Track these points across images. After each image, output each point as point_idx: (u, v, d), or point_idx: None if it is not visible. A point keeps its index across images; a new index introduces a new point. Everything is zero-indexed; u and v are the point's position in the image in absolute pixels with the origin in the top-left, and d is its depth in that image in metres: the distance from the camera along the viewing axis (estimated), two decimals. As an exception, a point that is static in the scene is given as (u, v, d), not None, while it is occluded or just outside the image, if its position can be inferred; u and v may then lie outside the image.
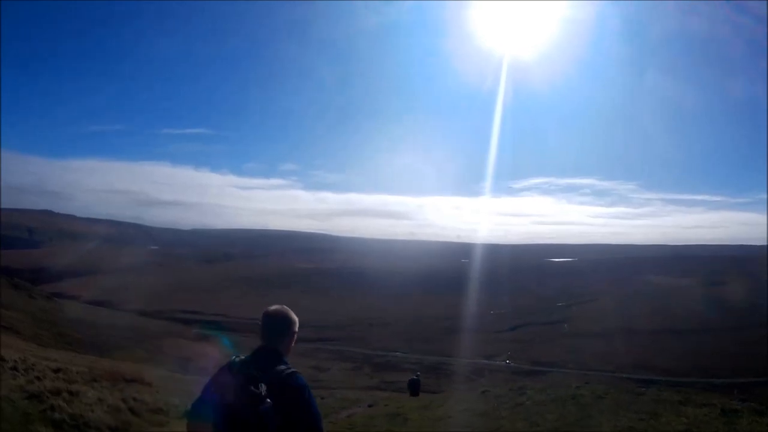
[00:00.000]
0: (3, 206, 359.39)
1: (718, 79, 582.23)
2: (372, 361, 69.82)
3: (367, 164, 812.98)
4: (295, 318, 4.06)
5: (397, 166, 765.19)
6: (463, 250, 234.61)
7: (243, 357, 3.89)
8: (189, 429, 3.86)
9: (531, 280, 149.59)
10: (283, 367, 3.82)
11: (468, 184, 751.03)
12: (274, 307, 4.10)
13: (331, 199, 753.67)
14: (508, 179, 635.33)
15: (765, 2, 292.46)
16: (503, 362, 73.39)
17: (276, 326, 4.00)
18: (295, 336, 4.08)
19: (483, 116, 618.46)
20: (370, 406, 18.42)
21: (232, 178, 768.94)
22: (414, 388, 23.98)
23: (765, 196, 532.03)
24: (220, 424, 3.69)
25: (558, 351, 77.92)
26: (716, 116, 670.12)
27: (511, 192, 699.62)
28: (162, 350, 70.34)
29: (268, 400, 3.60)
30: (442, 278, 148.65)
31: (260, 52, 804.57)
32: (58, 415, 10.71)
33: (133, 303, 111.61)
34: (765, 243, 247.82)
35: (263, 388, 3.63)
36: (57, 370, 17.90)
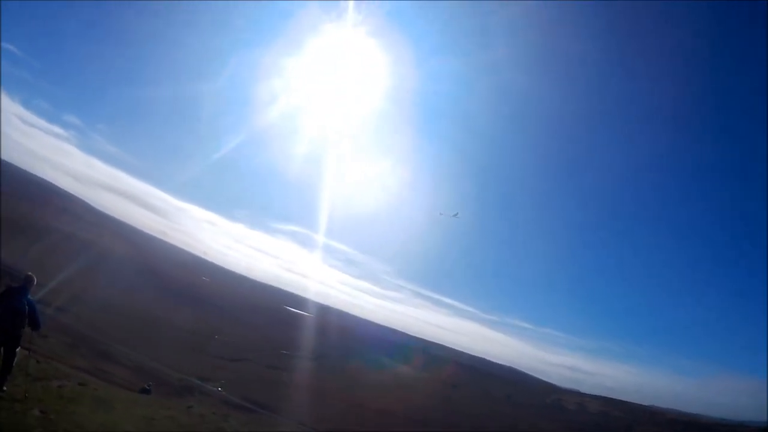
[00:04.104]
0: None
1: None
2: (93, 345, 64.63)
3: (148, 149, 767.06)
4: (34, 277, 15.56)
5: (173, 162, 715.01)
6: (207, 267, 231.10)
7: (7, 288, 14.71)
8: None
9: (264, 319, 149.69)
10: (29, 296, 14.84)
11: (231, 205, 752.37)
12: (29, 273, 15.45)
13: (100, 169, 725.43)
14: (270, 216, 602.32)
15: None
16: (216, 388, 72.53)
17: (29, 279, 15.19)
18: (34, 282, 15.49)
19: (270, 146, 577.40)
20: (80, 384, 19.35)
21: (18, 108, 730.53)
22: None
23: (515, 321, 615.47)
24: (5, 318, 14.30)
25: (271, 395, 77.71)
26: (475, 231, 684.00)
27: (269, 230, 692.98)
28: None
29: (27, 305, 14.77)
30: (180, 287, 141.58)
31: None
32: None
33: None
34: (507, 364, 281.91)
35: (25, 300, 14.69)
36: None
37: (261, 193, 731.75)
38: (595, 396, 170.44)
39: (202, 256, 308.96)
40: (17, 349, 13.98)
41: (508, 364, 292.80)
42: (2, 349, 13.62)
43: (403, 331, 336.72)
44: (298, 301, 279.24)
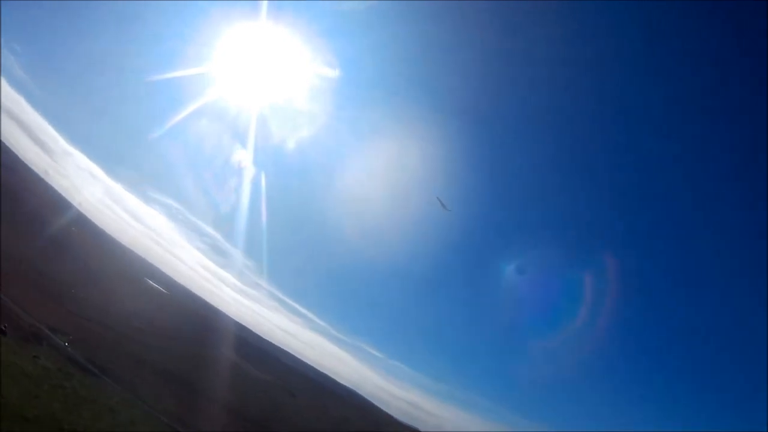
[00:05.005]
0: None
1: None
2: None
3: (56, 86, 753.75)
4: None
5: (76, 106, 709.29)
6: (80, 219, 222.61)
7: None
8: None
9: (122, 285, 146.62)
10: None
11: (115, 162, 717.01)
12: None
13: (4, 90, 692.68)
14: (149, 183, 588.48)
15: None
16: (63, 342, 70.94)
17: None
18: None
19: (174, 119, 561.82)
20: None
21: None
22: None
23: (367, 347, 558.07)
24: None
25: (116, 363, 76.73)
26: (343, 245, 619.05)
27: (145, 197, 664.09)
28: None
29: None
30: (47, 231, 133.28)
31: None
32: None
33: None
34: (351, 386, 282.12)
35: None
36: None
37: (147, 158, 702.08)
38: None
39: (77, 206, 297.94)
40: None
41: (351, 386, 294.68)
42: None
43: (253, 330, 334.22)
44: (159, 276, 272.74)
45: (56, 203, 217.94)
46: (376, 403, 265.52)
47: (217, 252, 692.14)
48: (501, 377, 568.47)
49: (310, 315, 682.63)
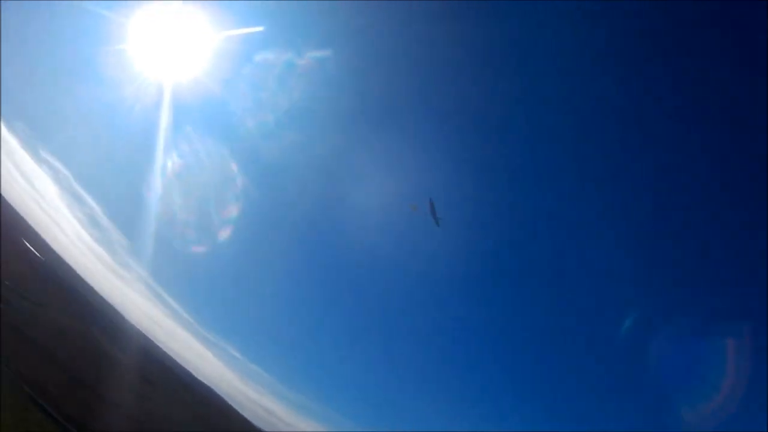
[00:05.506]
0: None
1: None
2: None
3: None
4: None
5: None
6: None
7: None
8: None
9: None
10: None
11: (14, 115, 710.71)
12: None
13: None
14: (43, 141, 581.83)
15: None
16: None
17: None
18: None
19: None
20: None
21: None
22: None
23: (229, 347, 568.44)
24: None
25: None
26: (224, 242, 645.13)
27: (37, 156, 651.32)
28: None
29: None
30: None
31: None
32: None
33: None
34: (210, 384, 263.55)
35: None
36: None
37: (47, 120, 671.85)
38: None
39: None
40: None
41: (209, 384, 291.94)
42: None
43: (119, 310, 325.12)
44: (37, 239, 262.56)
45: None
46: (232, 404, 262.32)
47: (93, 224, 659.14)
48: (361, 392, 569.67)
49: (176, 306, 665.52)
